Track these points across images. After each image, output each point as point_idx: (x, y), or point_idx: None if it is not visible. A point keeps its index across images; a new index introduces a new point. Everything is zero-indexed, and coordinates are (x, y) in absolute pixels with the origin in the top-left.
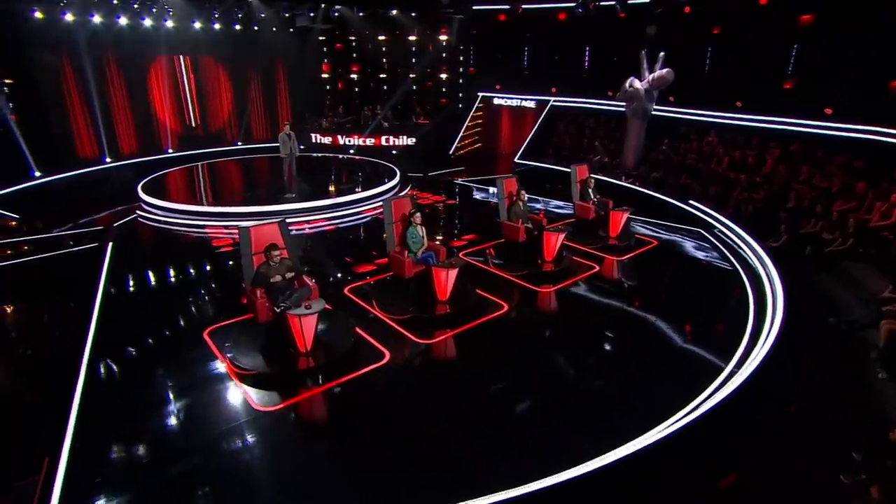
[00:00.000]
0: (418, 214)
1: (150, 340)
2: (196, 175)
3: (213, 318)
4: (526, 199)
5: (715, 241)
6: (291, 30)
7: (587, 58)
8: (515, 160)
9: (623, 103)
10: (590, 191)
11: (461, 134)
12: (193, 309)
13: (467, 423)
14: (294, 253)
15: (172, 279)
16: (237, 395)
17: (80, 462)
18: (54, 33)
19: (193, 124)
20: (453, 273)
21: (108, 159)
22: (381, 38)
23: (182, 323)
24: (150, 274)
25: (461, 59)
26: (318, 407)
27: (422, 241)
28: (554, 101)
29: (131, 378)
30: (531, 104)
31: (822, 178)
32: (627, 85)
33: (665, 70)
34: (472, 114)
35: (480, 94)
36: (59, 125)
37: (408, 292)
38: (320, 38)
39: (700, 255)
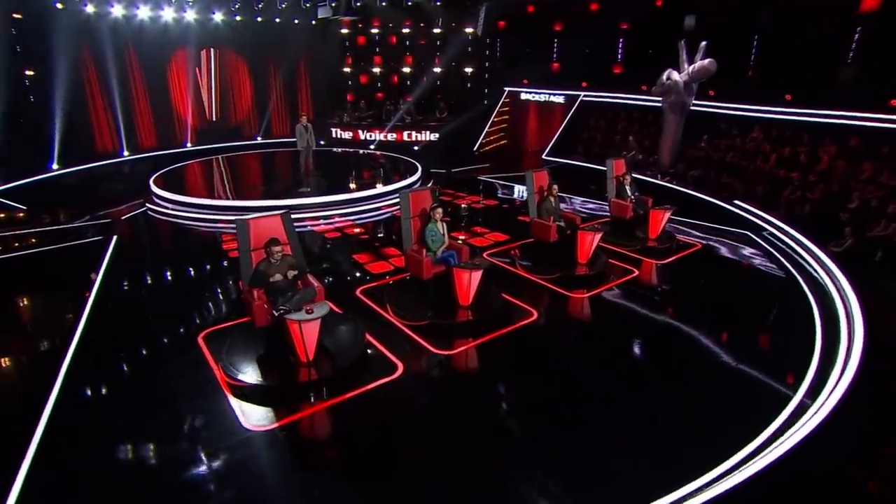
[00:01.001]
0: (439, 209)
1: (141, 342)
2: (211, 168)
3: (211, 321)
4: (557, 193)
5: (765, 245)
6: (314, 22)
7: (620, 51)
8: (543, 157)
9: (659, 98)
10: (627, 187)
11: (486, 130)
12: (192, 309)
13: (492, 453)
14: (298, 250)
15: (174, 276)
16: (227, 409)
17: (39, 482)
18: (75, 24)
19: (214, 118)
20: (477, 275)
21: (125, 153)
22: (405, 30)
23: (177, 324)
24: (152, 270)
25: (487, 53)
26: (318, 427)
27: (442, 239)
28: (584, 95)
29: (113, 384)
30: (560, 99)
31: (891, 176)
32: (665, 77)
33: (707, 60)
34: (497, 109)
35: (507, 90)
36: (78, 118)
37: (426, 296)
38: (342, 30)
39: (750, 259)
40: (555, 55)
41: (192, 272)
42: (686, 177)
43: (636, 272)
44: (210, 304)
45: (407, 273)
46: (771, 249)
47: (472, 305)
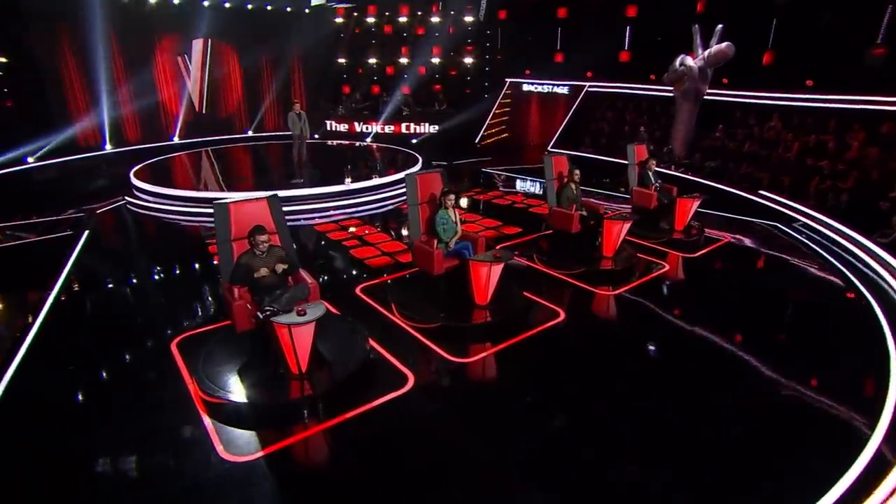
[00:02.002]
0: (452, 195)
1: (102, 349)
2: (197, 161)
3: (187, 325)
4: (579, 179)
5: (800, 237)
6: (307, 10)
7: (627, 39)
8: (549, 149)
9: (670, 87)
10: (650, 174)
11: (487, 122)
12: (166, 312)
13: (525, 485)
14: (289, 240)
15: (148, 274)
16: (201, 434)
17: None
18: (52, 8)
19: (202, 111)
20: (498, 269)
21: (108, 146)
22: (402, 18)
23: (147, 329)
24: (124, 268)
25: (488, 45)
26: (313, 455)
27: (455, 228)
28: (589, 86)
29: (63, 400)
30: (564, 90)
31: None
32: (678, 63)
33: (724, 44)
34: (498, 101)
35: (508, 81)
36: (57, 108)
37: (437, 294)
38: (336, 19)
39: (785, 253)
40: (559, 44)
41: (169, 270)
42: (702, 167)
43: (666, 267)
44: (188, 306)
45: (414, 268)
46: (808, 242)
47: (490, 305)
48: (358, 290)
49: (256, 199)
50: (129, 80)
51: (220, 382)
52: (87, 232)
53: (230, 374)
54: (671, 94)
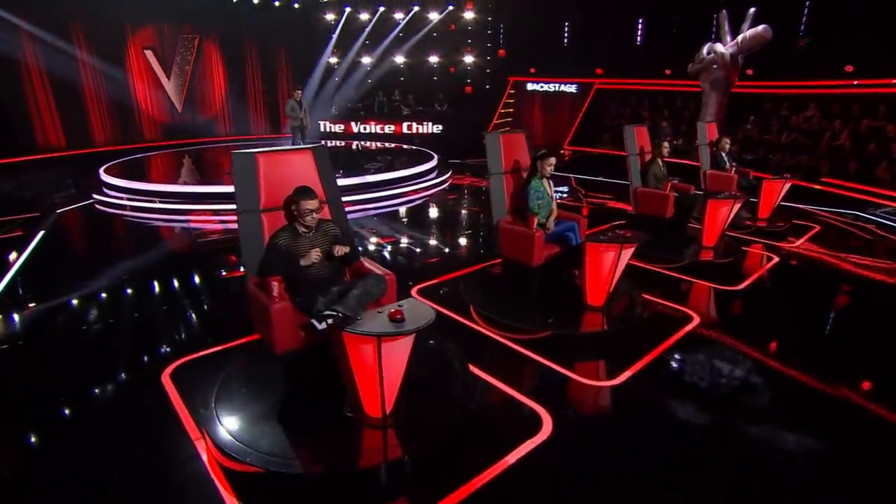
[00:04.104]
0: (552, 158)
1: (59, 386)
2: (178, 158)
3: (181, 346)
4: (668, 153)
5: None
6: (296, 5)
7: (640, 31)
8: (564, 146)
9: (695, 78)
10: (724, 156)
11: (494, 122)
12: (149, 330)
13: None
14: (342, 213)
15: (120, 283)
16: None
17: None
18: None
19: (180, 110)
20: (628, 254)
21: (71, 148)
22: (397, 15)
23: (124, 354)
24: (85, 275)
25: (489, 45)
26: None
27: (550, 204)
28: (599, 84)
29: None
30: (571, 88)
31: None
32: (706, 51)
33: (762, 27)
34: (503, 101)
35: (511, 80)
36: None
37: (532, 292)
38: (327, 16)
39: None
40: (566, 39)
41: (148, 277)
42: (741, 160)
43: (776, 259)
44: (180, 321)
45: (497, 259)
46: None
47: (605, 306)
48: (414, 292)
49: (298, 149)
50: (96, 77)
51: (250, 436)
52: (40, 234)
53: (264, 422)
54: (687, 89)
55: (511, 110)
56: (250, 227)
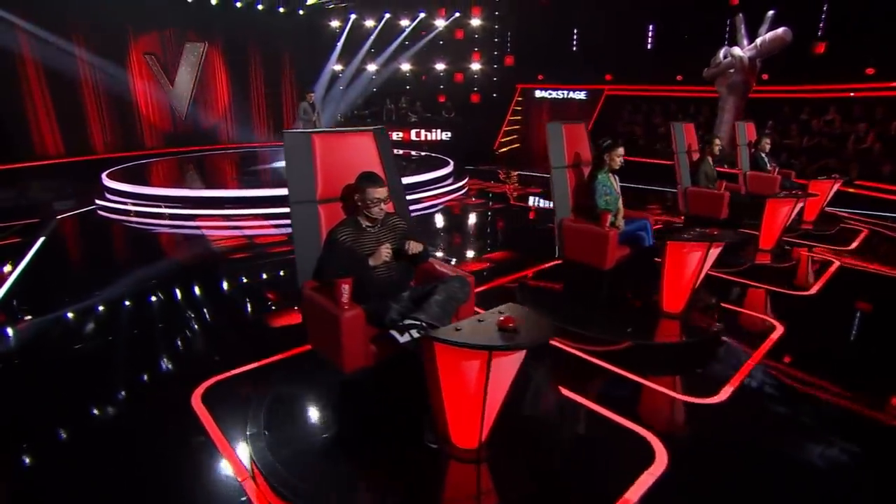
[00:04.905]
0: (621, 149)
1: (65, 412)
2: (183, 164)
3: (212, 363)
4: (720, 152)
5: None
6: (301, 11)
7: (651, 36)
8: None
9: (711, 83)
10: (765, 157)
11: (504, 129)
12: (170, 344)
13: None
14: (405, 206)
15: (133, 297)
16: None
17: None
18: None
19: (183, 118)
20: (715, 254)
21: (70, 155)
22: (403, 21)
23: (142, 373)
24: (90, 286)
25: (496, 53)
26: None
27: (618, 200)
28: (609, 90)
29: None
30: (581, 95)
31: None
32: (722, 55)
33: (781, 29)
34: (511, 108)
35: (519, 87)
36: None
37: (600, 297)
38: (332, 23)
39: None
40: (574, 45)
41: (167, 285)
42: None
43: (837, 262)
44: (205, 336)
45: (556, 259)
46: None
47: (683, 313)
48: None
49: (358, 131)
50: (97, 83)
51: (310, 468)
52: (40, 240)
53: (324, 453)
54: (699, 95)
55: (519, 118)
56: (305, 220)
